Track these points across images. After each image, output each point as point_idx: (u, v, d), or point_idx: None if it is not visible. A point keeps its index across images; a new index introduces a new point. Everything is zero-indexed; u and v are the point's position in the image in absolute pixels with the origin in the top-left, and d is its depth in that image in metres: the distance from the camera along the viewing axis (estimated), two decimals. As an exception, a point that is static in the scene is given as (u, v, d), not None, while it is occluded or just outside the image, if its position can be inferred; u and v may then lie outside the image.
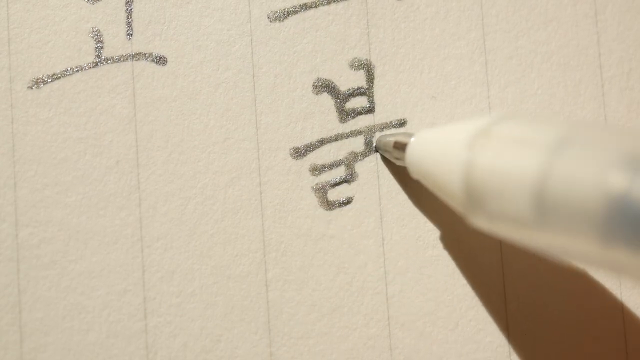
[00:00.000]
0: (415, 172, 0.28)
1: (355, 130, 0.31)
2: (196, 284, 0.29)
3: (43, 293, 0.29)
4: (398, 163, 0.29)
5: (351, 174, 0.31)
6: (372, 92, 0.31)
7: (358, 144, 0.31)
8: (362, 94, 0.31)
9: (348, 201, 0.30)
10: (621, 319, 0.30)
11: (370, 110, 0.31)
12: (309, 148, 0.30)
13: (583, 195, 0.20)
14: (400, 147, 0.28)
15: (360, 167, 0.31)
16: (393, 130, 0.30)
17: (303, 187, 0.30)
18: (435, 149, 0.26)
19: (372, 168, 0.31)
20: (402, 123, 0.31)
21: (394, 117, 0.31)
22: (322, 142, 0.31)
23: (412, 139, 0.28)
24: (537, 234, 0.22)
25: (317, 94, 0.31)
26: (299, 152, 0.30)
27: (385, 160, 0.30)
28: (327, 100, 0.31)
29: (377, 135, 0.30)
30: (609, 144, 0.21)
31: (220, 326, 0.29)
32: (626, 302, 0.30)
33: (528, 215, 0.22)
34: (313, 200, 0.30)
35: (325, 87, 0.31)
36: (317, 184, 0.30)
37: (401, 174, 0.30)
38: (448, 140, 0.25)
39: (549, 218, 0.21)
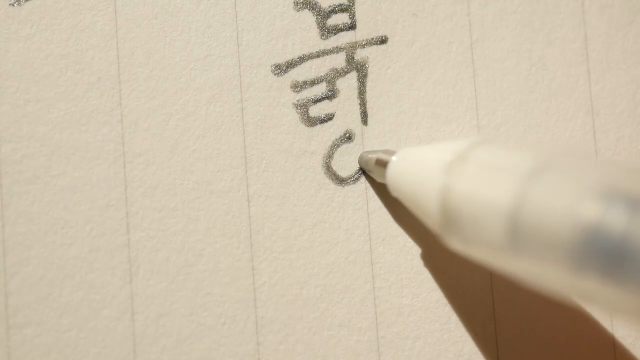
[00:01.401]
0: (394, 191, 0.28)
1: (336, 47, 0.31)
2: (178, 199, 0.30)
3: (26, 208, 0.29)
4: (379, 180, 0.29)
5: (332, 91, 0.31)
6: (354, 9, 0.31)
7: (339, 60, 0.31)
8: (343, 10, 0.31)
9: (329, 117, 0.31)
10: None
11: (351, 26, 0.31)
12: (290, 65, 0.31)
13: (556, 225, 0.21)
14: (382, 164, 0.29)
15: (341, 83, 0.31)
16: (376, 147, 0.30)
17: (284, 103, 0.30)
18: (414, 171, 0.26)
19: (353, 85, 0.31)
20: (383, 40, 0.31)
21: (375, 34, 0.31)
22: (303, 58, 0.31)
23: (394, 158, 0.28)
24: (511, 260, 0.22)
25: (298, 10, 0.31)
26: (280, 69, 0.30)
27: (367, 175, 0.30)
28: (308, 16, 0.31)
29: (360, 152, 0.30)
30: (583, 173, 0.21)
31: (203, 241, 0.29)
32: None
33: (502, 241, 0.22)
34: (294, 116, 0.30)
35: (307, 3, 0.31)
36: (298, 100, 0.30)
37: (384, 191, 0.30)
38: (427, 163, 0.26)
39: (523, 245, 0.22)
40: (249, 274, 0.29)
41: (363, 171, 0.30)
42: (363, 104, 0.31)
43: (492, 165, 0.23)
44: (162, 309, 0.29)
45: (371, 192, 0.30)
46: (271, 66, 0.30)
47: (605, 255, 0.19)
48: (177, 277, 0.29)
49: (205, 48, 0.30)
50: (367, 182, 0.30)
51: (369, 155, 0.30)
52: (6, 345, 0.28)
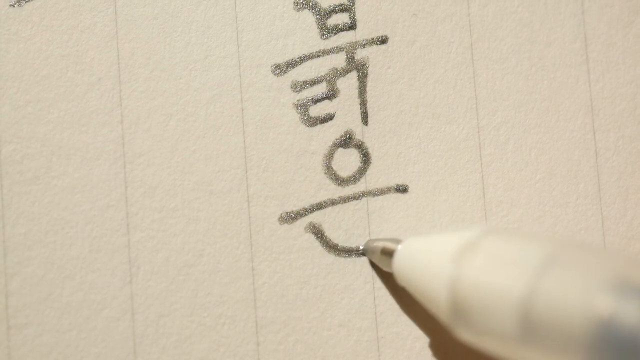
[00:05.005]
0: (402, 280, 0.28)
1: (336, 47, 0.31)
2: (178, 200, 0.30)
3: (26, 208, 0.29)
4: (385, 269, 0.29)
5: (332, 91, 0.31)
6: (354, 9, 0.31)
7: (339, 60, 0.31)
8: (343, 10, 0.31)
9: (329, 117, 0.31)
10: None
11: (352, 26, 0.31)
12: (290, 64, 0.31)
13: (569, 317, 0.21)
14: (388, 253, 0.28)
15: (341, 83, 0.31)
16: (382, 236, 0.30)
17: (285, 103, 0.30)
18: (422, 260, 0.26)
19: (354, 84, 0.31)
20: (383, 40, 0.31)
21: (375, 34, 0.31)
22: (303, 58, 0.31)
23: (400, 247, 0.28)
24: (522, 351, 0.22)
25: (298, 10, 0.31)
26: (280, 69, 0.30)
27: (372, 263, 0.30)
28: (308, 16, 0.31)
29: (366, 239, 0.30)
30: (594, 265, 0.22)
31: (203, 241, 0.29)
32: None
33: (513, 332, 0.22)
34: (294, 116, 0.30)
35: (307, 3, 0.31)
36: (298, 100, 0.30)
37: (391, 279, 0.29)
38: (435, 252, 0.25)
39: (535, 336, 0.22)
40: (249, 274, 0.29)
41: (369, 259, 0.30)
42: (363, 103, 0.31)
43: (502, 256, 0.23)
44: (162, 309, 0.29)
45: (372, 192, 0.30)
46: (271, 66, 0.30)
47: (620, 347, 0.20)
48: (177, 278, 0.29)
49: (205, 48, 0.30)
50: (367, 182, 0.30)
51: (375, 244, 0.29)
52: (6, 346, 0.28)
